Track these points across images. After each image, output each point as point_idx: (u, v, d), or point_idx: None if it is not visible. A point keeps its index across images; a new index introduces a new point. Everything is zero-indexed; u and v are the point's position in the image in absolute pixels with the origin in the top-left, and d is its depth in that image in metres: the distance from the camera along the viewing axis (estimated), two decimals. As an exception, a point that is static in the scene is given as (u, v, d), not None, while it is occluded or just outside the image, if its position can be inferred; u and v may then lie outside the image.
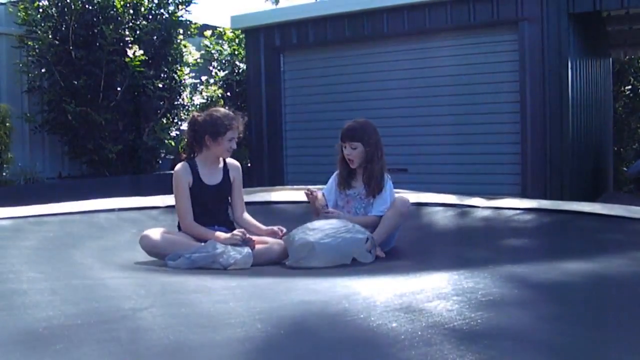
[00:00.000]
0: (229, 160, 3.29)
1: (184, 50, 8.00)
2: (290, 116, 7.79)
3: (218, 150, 3.13)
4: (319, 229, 2.84)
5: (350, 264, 2.82)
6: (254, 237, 3.00)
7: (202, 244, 2.87)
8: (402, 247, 3.27)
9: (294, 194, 4.73)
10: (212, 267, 2.72)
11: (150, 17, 7.63)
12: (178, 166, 3.14)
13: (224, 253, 2.76)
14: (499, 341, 1.51)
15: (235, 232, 2.97)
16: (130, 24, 7.32)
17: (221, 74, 9.44)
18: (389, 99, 6.95)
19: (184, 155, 3.21)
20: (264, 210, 4.26)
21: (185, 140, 3.33)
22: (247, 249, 2.85)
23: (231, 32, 9.43)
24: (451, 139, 6.70)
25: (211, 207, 3.15)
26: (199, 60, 8.55)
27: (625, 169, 10.52)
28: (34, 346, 1.40)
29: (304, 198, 4.62)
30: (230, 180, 3.24)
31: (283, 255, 2.94)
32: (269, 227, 3.15)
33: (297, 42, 7.63)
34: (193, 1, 7.92)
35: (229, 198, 3.28)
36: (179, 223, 3.12)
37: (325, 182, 3.48)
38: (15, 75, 7.05)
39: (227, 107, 3.34)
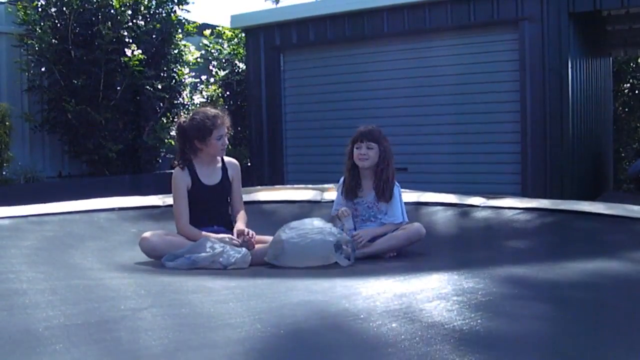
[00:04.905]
0: (227, 159, 3.30)
1: (183, 49, 8.00)
2: (290, 116, 7.79)
3: (211, 150, 3.14)
4: (296, 228, 2.86)
5: (352, 264, 2.82)
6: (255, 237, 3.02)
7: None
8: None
9: (294, 194, 4.73)
10: (212, 267, 2.73)
11: (149, 16, 7.63)
12: (176, 169, 3.15)
13: (224, 253, 2.76)
14: (499, 341, 1.51)
15: (226, 237, 2.97)
16: (129, 24, 7.32)
17: (221, 73, 9.43)
18: (389, 98, 6.94)
19: (176, 163, 3.20)
20: (263, 210, 4.26)
21: (176, 146, 3.31)
22: (244, 249, 2.86)
23: (230, 31, 9.42)
24: (451, 139, 6.69)
25: (211, 207, 3.16)
26: (198, 59, 8.54)
27: (626, 167, 10.52)
28: (34, 346, 1.40)
29: (303, 197, 4.65)
30: (229, 180, 3.25)
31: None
32: (240, 229, 3.05)
33: (297, 42, 7.62)
34: (191, 1, 7.93)
35: (229, 198, 3.28)
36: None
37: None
38: (15, 74, 7.05)
39: (217, 107, 3.29)
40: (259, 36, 7.87)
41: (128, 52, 7.00)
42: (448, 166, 6.67)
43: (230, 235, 3.01)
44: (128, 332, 1.52)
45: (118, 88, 7.14)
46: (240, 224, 3.12)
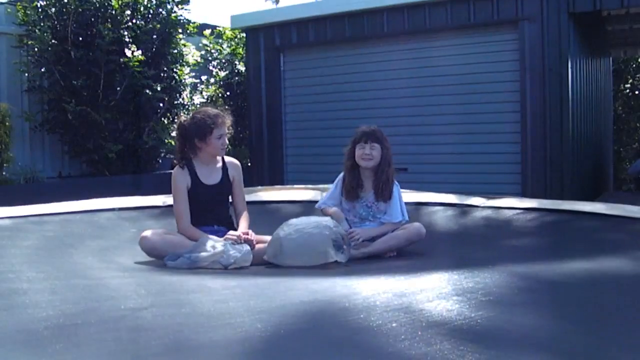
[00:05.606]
0: (228, 159, 3.30)
1: (184, 49, 8.00)
2: (290, 116, 7.79)
3: (211, 150, 3.14)
4: (294, 225, 2.87)
5: (350, 263, 2.82)
6: (255, 237, 3.02)
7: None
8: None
9: (294, 194, 4.74)
10: (212, 266, 2.72)
11: (149, 17, 7.63)
12: (176, 169, 3.15)
13: (224, 252, 2.76)
14: (499, 341, 1.51)
15: (229, 234, 2.97)
16: (129, 24, 7.32)
17: (221, 73, 9.43)
18: (389, 98, 6.94)
19: (176, 162, 3.20)
20: (263, 210, 4.26)
21: (176, 145, 3.30)
22: (246, 247, 2.85)
23: (230, 31, 9.41)
24: (451, 139, 6.69)
25: (211, 206, 3.16)
26: (199, 60, 8.54)
27: (626, 167, 10.52)
28: (34, 346, 1.40)
29: (302, 197, 4.65)
30: (230, 179, 3.25)
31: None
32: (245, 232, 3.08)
33: (297, 42, 7.62)
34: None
35: (230, 197, 3.28)
36: (178, 224, 3.12)
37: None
38: (15, 74, 7.05)
39: (218, 107, 3.30)
40: (259, 36, 7.87)
41: (128, 52, 7.00)
42: (448, 166, 6.68)
43: (232, 231, 3.01)
44: (128, 332, 1.53)
45: (118, 88, 7.14)
46: (243, 226, 3.13)
